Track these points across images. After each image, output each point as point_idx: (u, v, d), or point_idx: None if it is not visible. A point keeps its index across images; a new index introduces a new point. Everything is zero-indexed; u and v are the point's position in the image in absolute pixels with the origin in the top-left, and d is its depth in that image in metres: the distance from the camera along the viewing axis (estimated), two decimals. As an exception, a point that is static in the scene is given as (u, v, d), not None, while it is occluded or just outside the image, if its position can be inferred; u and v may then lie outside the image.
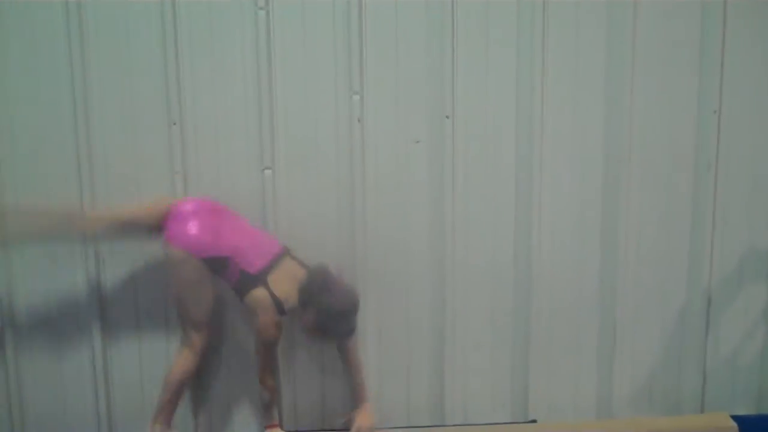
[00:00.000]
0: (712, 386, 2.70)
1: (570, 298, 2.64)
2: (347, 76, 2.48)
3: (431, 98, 2.51)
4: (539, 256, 2.60)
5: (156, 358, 2.58)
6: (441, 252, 2.59)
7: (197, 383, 2.59)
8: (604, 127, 2.55)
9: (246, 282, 2.33)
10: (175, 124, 2.47)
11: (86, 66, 2.43)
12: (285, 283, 2.34)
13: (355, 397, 2.53)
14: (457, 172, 2.54)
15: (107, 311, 2.55)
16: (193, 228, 2.30)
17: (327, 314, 2.30)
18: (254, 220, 2.48)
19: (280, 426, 2.52)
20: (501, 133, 2.54)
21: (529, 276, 2.61)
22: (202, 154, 2.50)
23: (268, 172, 2.51)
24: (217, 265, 2.31)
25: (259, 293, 2.33)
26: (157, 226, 2.33)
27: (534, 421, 2.69)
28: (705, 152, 2.57)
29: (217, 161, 2.51)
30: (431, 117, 2.52)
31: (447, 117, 2.51)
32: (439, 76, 2.49)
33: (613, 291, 2.63)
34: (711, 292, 2.64)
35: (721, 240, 2.62)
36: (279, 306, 2.33)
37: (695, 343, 2.67)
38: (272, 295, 2.32)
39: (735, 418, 2.63)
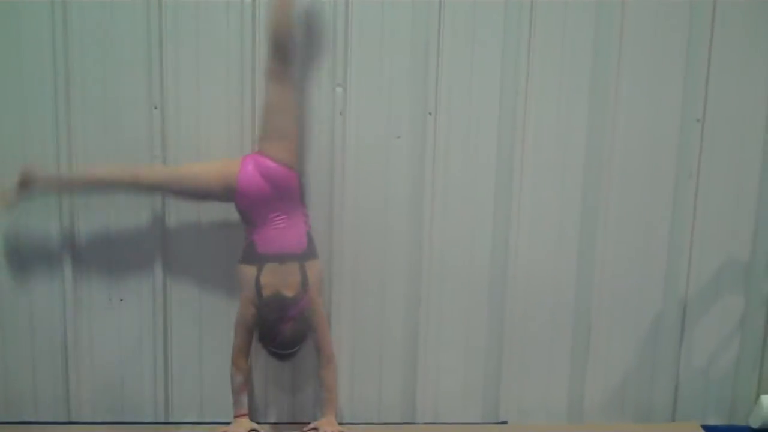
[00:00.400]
0: (684, 395, 2.69)
1: (545, 301, 2.63)
2: (331, 67, 2.47)
3: (414, 94, 2.50)
4: (516, 257, 2.59)
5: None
6: (418, 249, 2.58)
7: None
8: (587, 131, 2.54)
9: (247, 252, 2.38)
10: (156, 108, 2.47)
11: (68, 48, 2.44)
12: (274, 279, 2.34)
13: (322, 409, 2.51)
14: (437, 169, 2.53)
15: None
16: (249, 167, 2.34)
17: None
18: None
19: (249, 416, 2.51)
20: (483, 132, 2.53)
21: (504, 277, 2.60)
22: (184, 139, 2.50)
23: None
24: (246, 217, 2.37)
25: (247, 269, 2.36)
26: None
27: (505, 423, 2.68)
28: (687, 161, 2.56)
29: (197, 147, 2.50)
30: (414, 113, 2.51)
31: (429, 113, 2.50)
32: (423, 73, 2.49)
33: (588, 296, 2.62)
34: (687, 300, 2.63)
35: (700, 249, 2.61)
36: (258, 291, 2.33)
37: (669, 351, 2.66)
38: (257, 279, 2.34)
39: (706, 427, 2.63)
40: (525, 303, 2.62)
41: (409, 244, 2.58)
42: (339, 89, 2.48)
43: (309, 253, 2.39)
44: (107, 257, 2.56)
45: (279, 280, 2.34)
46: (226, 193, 2.35)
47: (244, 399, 2.48)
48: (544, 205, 2.57)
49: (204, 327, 2.61)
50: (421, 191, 2.55)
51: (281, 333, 2.32)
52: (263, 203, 2.35)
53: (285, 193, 2.36)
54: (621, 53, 2.50)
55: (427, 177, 2.54)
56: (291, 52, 2.36)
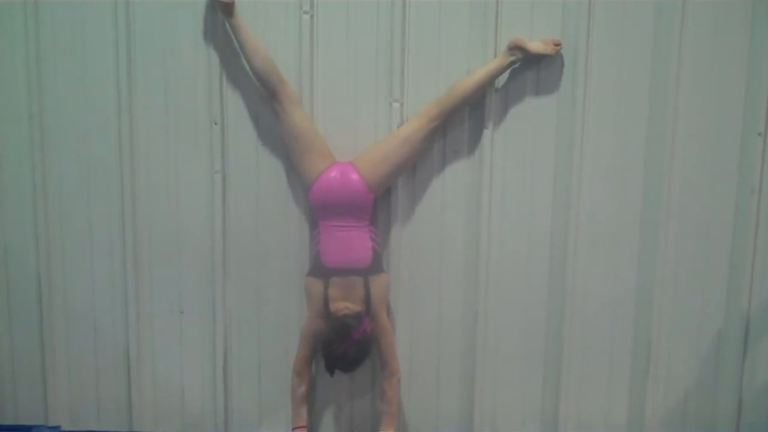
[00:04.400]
0: (747, 411, 2.65)
1: (605, 314, 2.62)
2: (388, 83, 2.50)
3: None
4: (575, 270, 2.58)
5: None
6: (475, 261, 2.59)
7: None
8: (646, 145, 2.53)
9: (314, 265, 2.42)
10: (216, 124, 2.52)
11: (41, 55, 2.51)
12: (340, 293, 2.38)
13: (381, 422, 2.52)
14: (494, 180, 2.54)
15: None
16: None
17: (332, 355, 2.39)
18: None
19: (308, 429, 2.53)
20: (540, 143, 2.54)
21: (563, 290, 2.59)
22: (242, 154, 2.55)
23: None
24: (314, 213, 2.48)
25: (314, 282, 2.40)
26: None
27: (563, 437, 2.67)
28: (749, 175, 2.53)
29: (256, 163, 2.56)
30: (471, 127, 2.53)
31: (486, 128, 2.52)
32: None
33: (648, 310, 2.60)
34: (750, 315, 2.60)
35: (762, 264, 2.57)
36: (326, 304, 2.38)
37: (732, 366, 2.63)
38: (325, 292, 2.37)
39: (769, 444, 2.59)
40: (584, 316, 2.61)
41: (466, 256, 2.59)
42: (396, 104, 2.50)
43: (374, 268, 2.40)
44: (169, 268, 2.61)
45: (345, 293, 2.37)
46: (306, 174, 2.41)
47: (304, 411, 2.51)
48: (604, 219, 2.56)
49: (263, 340, 2.64)
50: (478, 202, 2.56)
51: (346, 355, 2.35)
52: (331, 207, 2.39)
53: (355, 207, 2.39)
54: (680, 64, 2.48)
55: (485, 187, 2.54)
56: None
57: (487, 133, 2.51)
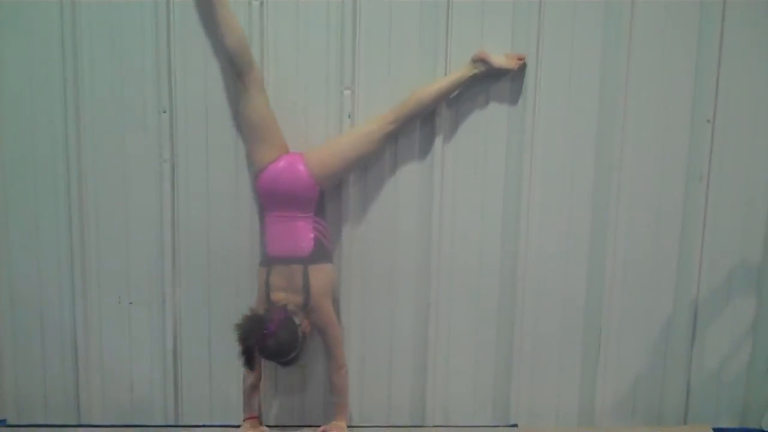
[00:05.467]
0: (696, 397, 2.67)
1: (555, 304, 2.62)
2: (339, 71, 2.48)
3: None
4: (525, 260, 2.58)
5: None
6: (426, 251, 2.58)
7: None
8: (596, 133, 2.53)
9: (262, 254, 2.45)
10: (165, 112, 2.49)
11: (77, 49, 2.47)
12: (281, 281, 2.36)
13: (333, 412, 2.51)
14: (446, 171, 2.53)
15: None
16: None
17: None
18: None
19: (259, 419, 2.51)
20: (492, 133, 2.53)
21: (514, 280, 2.59)
22: (192, 142, 2.52)
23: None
24: (259, 201, 2.48)
25: (261, 271, 2.41)
26: None
27: (515, 426, 2.67)
28: (697, 162, 2.54)
29: (206, 151, 2.53)
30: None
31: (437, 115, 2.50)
32: (431, 73, 2.49)
33: (599, 299, 2.60)
34: (698, 303, 2.61)
35: (711, 252, 2.59)
36: (267, 292, 2.37)
37: (681, 354, 2.64)
38: (267, 280, 2.37)
39: (718, 430, 2.61)
40: (535, 306, 2.61)
41: (417, 247, 2.58)
42: (347, 92, 2.49)
43: (315, 257, 2.38)
44: (117, 259, 2.58)
45: (285, 282, 2.36)
46: (256, 161, 2.42)
47: (255, 401, 2.49)
48: (554, 207, 2.56)
49: (213, 330, 2.61)
50: (430, 193, 2.54)
51: (267, 348, 2.26)
52: (278, 196, 2.38)
53: (300, 198, 2.38)
54: (630, 53, 2.48)
55: (436, 178, 2.53)
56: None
57: (439, 130, 2.51)
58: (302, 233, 2.38)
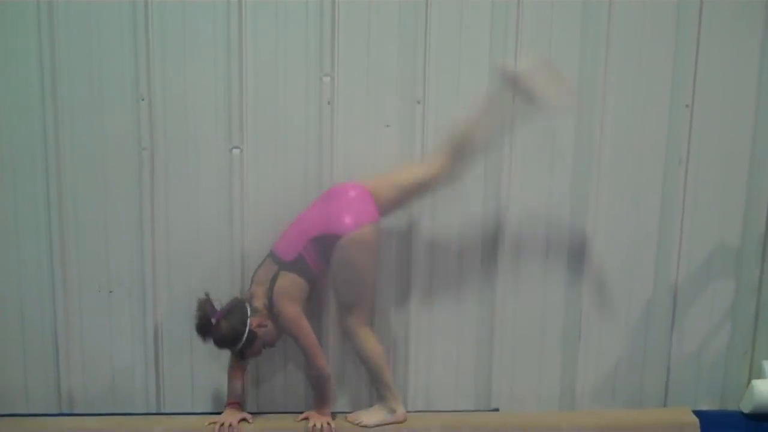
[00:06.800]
0: (675, 380, 2.70)
1: (536, 288, 2.63)
2: (318, 57, 2.47)
3: (402, 83, 2.49)
4: (506, 244, 2.59)
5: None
6: (408, 235, 2.58)
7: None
8: (576, 118, 2.53)
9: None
10: (143, 99, 2.46)
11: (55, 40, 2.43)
12: (263, 275, 2.40)
13: (314, 399, 2.51)
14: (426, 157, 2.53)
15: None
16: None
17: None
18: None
19: (242, 405, 2.51)
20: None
21: (495, 264, 2.60)
22: (171, 130, 2.50)
23: (236, 151, 2.51)
24: None
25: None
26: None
27: (496, 410, 2.68)
28: (676, 147, 2.56)
29: (185, 139, 2.50)
30: (402, 102, 2.51)
31: (418, 102, 2.50)
32: (412, 61, 2.48)
33: (579, 283, 2.62)
34: (678, 287, 2.63)
35: (690, 235, 2.61)
36: (252, 279, 2.44)
37: (660, 338, 2.66)
38: (257, 270, 2.43)
39: (698, 413, 2.62)
40: (516, 290, 2.62)
41: (399, 231, 2.58)
42: (327, 79, 2.48)
43: (291, 266, 2.37)
44: (97, 247, 2.56)
45: (264, 277, 2.39)
46: None
47: (238, 387, 2.48)
48: (533, 192, 2.57)
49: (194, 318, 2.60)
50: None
51: (209, 333, 2.32)
52: (312, 208, 2.42)
53: (326, 236, 2.35)
54: (609, 39, 2.49)
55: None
56: None
57: (418, 108, 2.50)
58: (296, 242, 2.38)
